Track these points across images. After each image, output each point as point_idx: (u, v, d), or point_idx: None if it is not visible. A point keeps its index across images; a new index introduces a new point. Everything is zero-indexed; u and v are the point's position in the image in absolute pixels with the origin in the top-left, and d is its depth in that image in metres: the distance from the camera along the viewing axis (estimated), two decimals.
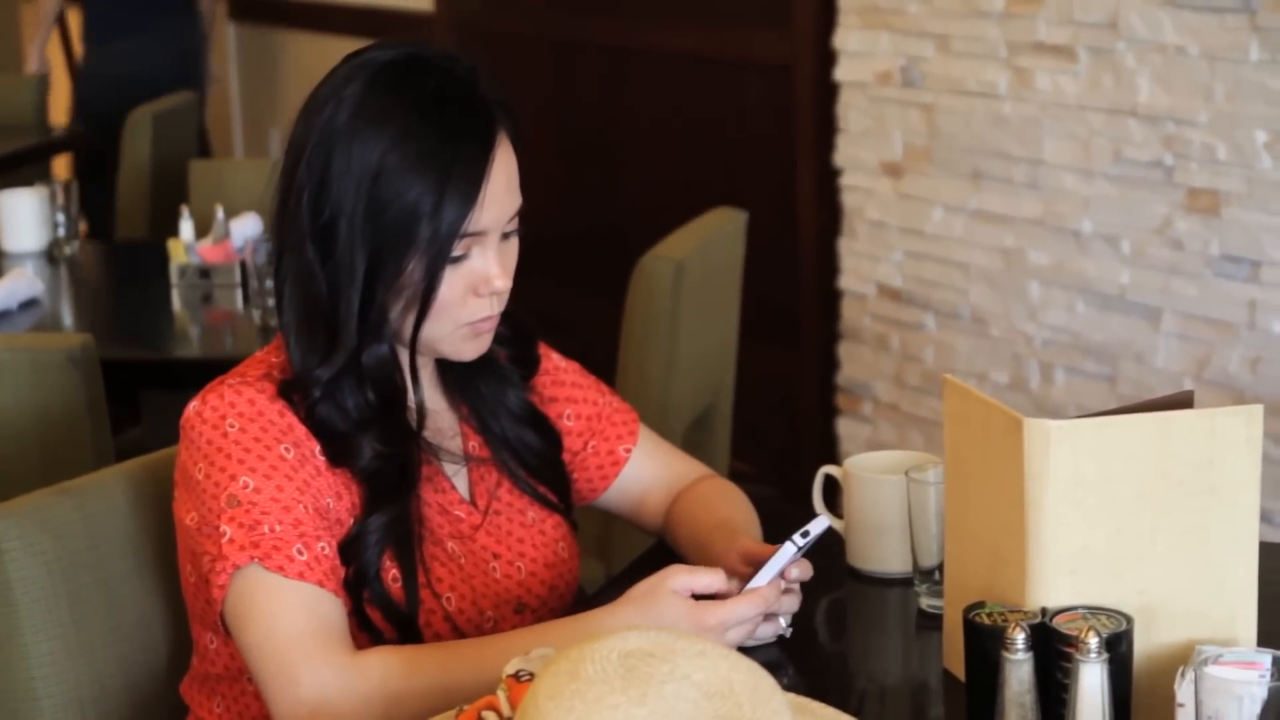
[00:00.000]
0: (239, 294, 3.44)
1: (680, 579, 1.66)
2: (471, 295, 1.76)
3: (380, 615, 1.75)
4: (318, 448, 1.74)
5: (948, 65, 3.93)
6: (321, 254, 1.73)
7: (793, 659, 1.74)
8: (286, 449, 1.72)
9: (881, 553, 1.96)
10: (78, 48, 6.09)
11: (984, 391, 1.86)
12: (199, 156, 5.36)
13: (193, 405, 1.75)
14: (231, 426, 1.71)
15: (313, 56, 6.28)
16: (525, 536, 1.89)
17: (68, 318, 3.52)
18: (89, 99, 5.69)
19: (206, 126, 6.16)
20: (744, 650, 1.55)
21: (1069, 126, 3.67)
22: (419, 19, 5.80)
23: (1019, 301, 3.84)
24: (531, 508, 1.92)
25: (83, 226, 4.90)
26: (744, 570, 1.78)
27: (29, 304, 3.43)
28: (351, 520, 1.75)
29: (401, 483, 1.77)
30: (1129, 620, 1.57)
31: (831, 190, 4.32)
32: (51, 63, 6.74)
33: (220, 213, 3.57)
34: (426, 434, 1.83)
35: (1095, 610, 1.59)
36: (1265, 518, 3.23)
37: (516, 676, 1.44)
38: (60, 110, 6.31)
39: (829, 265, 4.36)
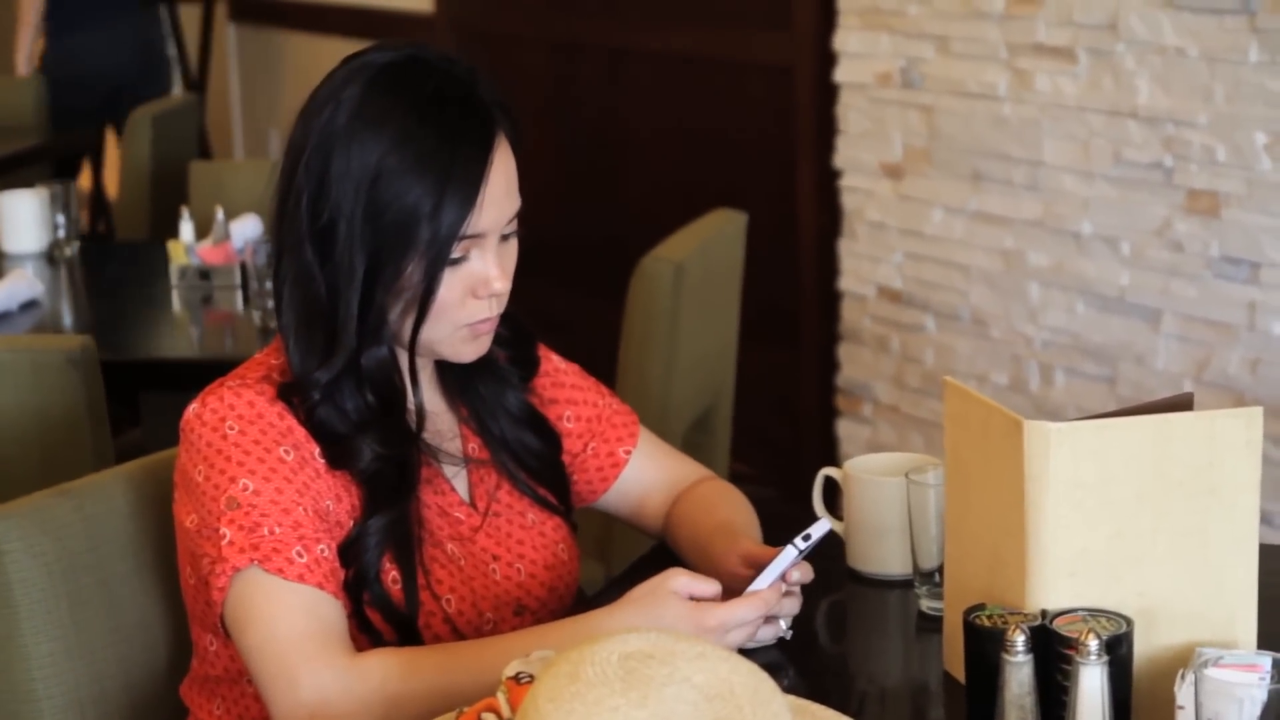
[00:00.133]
0: (239, 295, 3.44)
1: (680, 580, 1.67)
2: (471, 297, 1.76)
3: (380, 617, 1.75)
4: (317, 450, 1.74)
5: (948, 67, 3.93)
6: (321, 256, 1.73)
7: (793, 661, 1.74)
8: (286, 451, 1.72)
9: (881, 555, 1.96)
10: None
11: (984, 393, 1.86)
12: (199, 157, 5.36)
13: (192, 407, 1.75)
14: (231, 429, 1.71)
15: (312, 57, 6.28)
16: (525, 538, 1.89)
17: (68, 319, 3.52)
18: (50, 98, 5.64)
19: (206, 128, 6.17)
20: (744, 652, 1.55)
21: (1069, 128, 3.67)
22: (418, 20, 5.80)
23: (1019, 303, 3.84)
24: (531, 509, 1.92)
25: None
26: (744, 572, 1.78)
27: (29, 305, 3.43)
28: (351, 522, 1.75)
29: (401, 485, 1.77)
30: (1129, 622, 1.57)
31: (831, 191, 4.32)
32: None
33: (220, 214, 3.57)
34: (426, 436, 1.83)
35: (1095, 612, 1.59)
36: (1265, 520, 3.23)
37: (516, 678, 1.44)
38: None
39: (829, 267, 4.36)
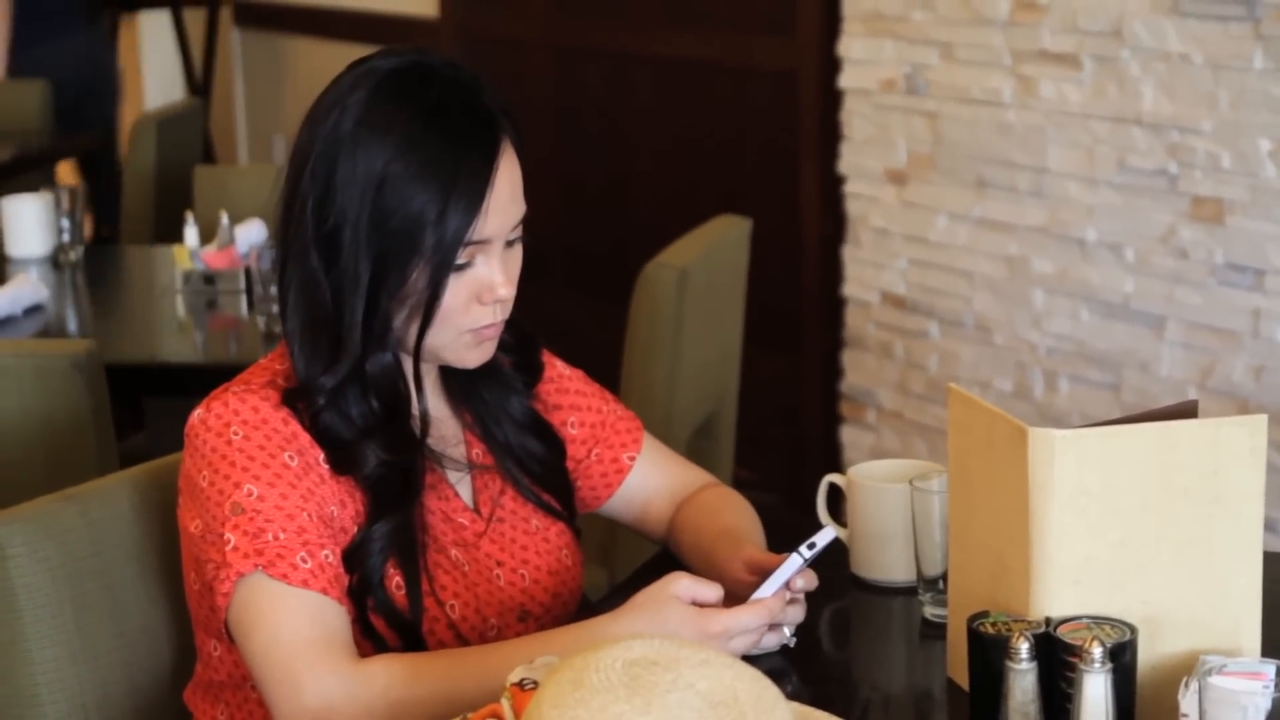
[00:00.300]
0: (243, 300, 3.44)
1: (682, 584, 1.67)
2: (475, 303, 1.76)
3: (384, 623, 1.75)
4: (321, 456, 1.74)
5: (952, 73, 3.93)
6: (326, 262, 1.73)
7: (796, 667, 1.74)
8: (290, 457, 1.72)
9: (885, 561, 1.96)
10: None
11: (988, 400, 1.86)
12: (203, 162, 5.36)
13: (197, 413, 1.75)
14: (236, 434, 1.71)
15: (317, 63, 6.29)
16: (529, 544, 1.89)
17: (72, 323, 3.52)
18: None
19: (210, 133, 6.17)
20: (747, 659, 1.55)
21: (1073, 134, 3.67)
22: (423, 25, 5.80)
23: (1023, 309, 3.84)
24: (535, 515, 1.92)
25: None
26: (748, 578, 1.78)
27: (33, 310, 3.43)
28: (355, 528, 1.75)
29: (405, 490, 1.77)
30: (1133, 630, 1.57)
31: (835, 198, 4.32)
32: None
33: (225, 219, 3.57)
34: (430, 442, 1.83)
35: (1099, 620, 1.59)
36: (1269, 527, 3.23)
37: (520, 685, 1.44)
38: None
39: (833, 272, 4.36)
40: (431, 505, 1.82)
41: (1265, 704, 1.44)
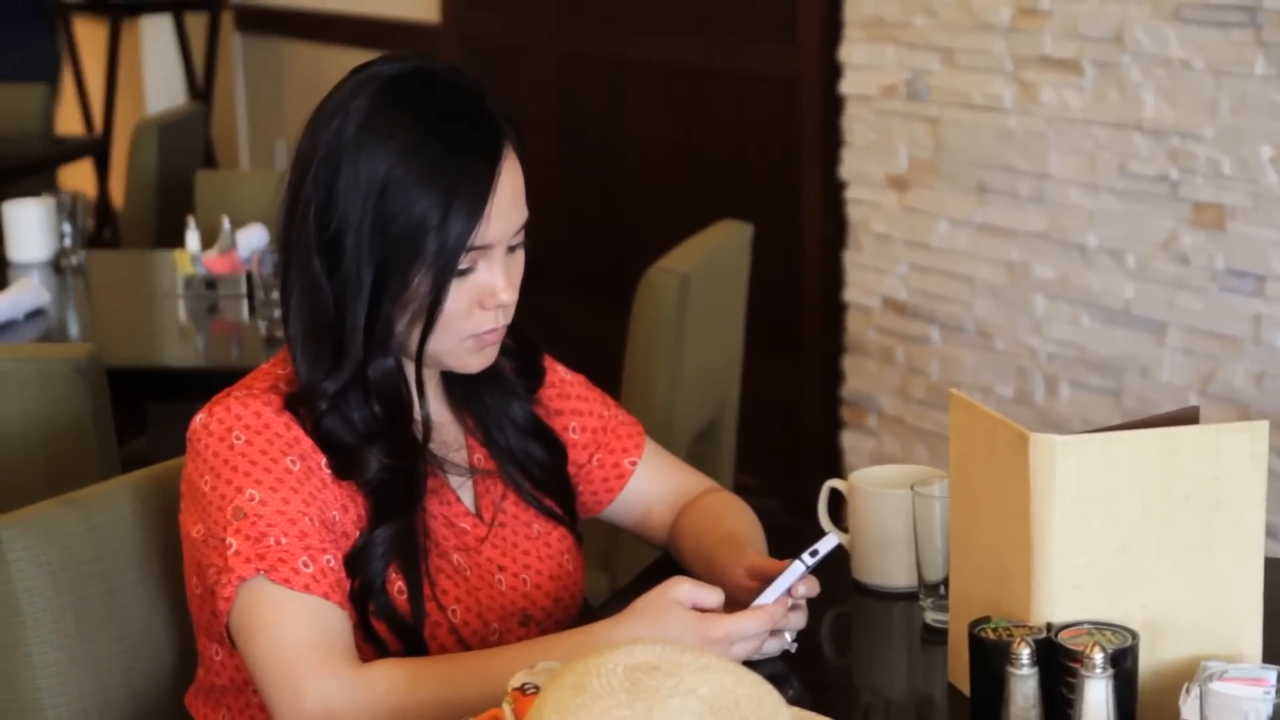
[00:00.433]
0: (245, 305, 3.45)
1: (683, 589, 1.67)
2: (477, 308, 1.76)
3: (385, 627, 1.75)
4: (324, 460, 1.74)
5: (953, 79, 3.94)
6: (328, 267, 1.74)
7: (797, 673, 1.74)
8: (293, 461, 1.72)
9: (887, 567, 1.96)
10: None
11: (988, 405, 1.86)
12: (204, 167, 5.36)
13: (199, 417, 1.75)
14: (238, 439, 1.71)
15: (318, 68, 6.29)
16: (530, 549, 1.89)
17: (74, 328, 3.53)
18: None
19: (212, 137, 6.17)
20: (749, 664, 1.55)
21: (1074, 140, 3.67)
22: (425, 30, 5.80)
23: (1024, 315, 3.84)
24: (537, 520, 1.92)
25: None
26: (750, 584, 1.79)
27: (35, 314, 3.44)
28: (357, 533, 1.75)
29: (407, 495, 1.77)
30: (1134, 636, 1.57)
31: (837, 203, 4.32)
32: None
33: (226, 223, 3.58)
34: (432, 446, 1.83)
35: (1100, 625, 1.59)
36: (1270, 533, 3.23)
37: (522, 689, 1.44)
38: (67, 120, 6.32)
39: (834, 278, 4.36)
40: (433, 510, 1.82)
41: (1266, 710, 1.44)
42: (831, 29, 4.26)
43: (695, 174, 4.87)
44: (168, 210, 4.62)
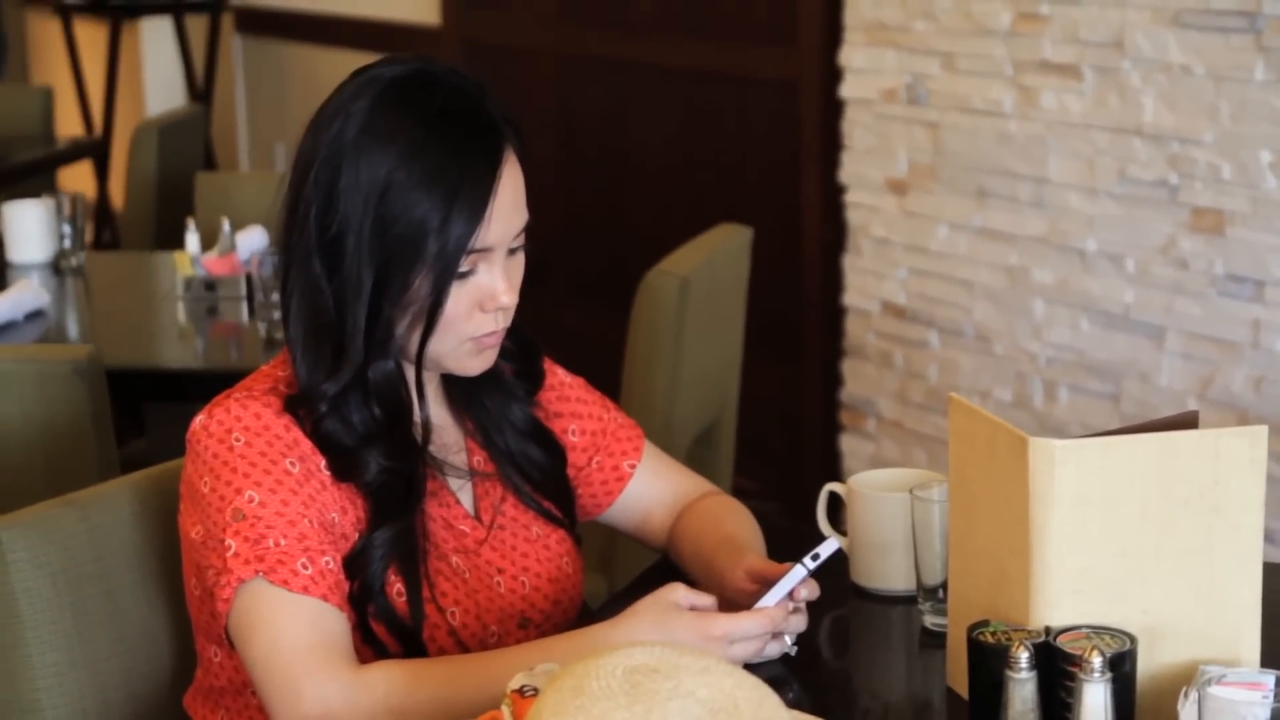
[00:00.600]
0: (244, 306, 3.45)
1: (679, 593, 1.67)
2: (477, 310, 1.76)
3: (384, 629, 1.75)
4: (323, 462, 1.74)
5: (953, 83, 3.94)
6: (328, 269, 1.74)
7: (796, 676, 1.74)
8: (292, 463, 1.72)
9: (885, 570, 1.96)
10: None
11: (988, 409, 1.87)
12: (204, 169, 5.36)
13: (199, 419, 1.75)
14: (237, 441, 1.72)
15: (318, 70, 6.29)
16: (529, 551, 1.90)
17: (73, 329, 3.53)
18: None
19: (212, 139, 6.17)
20: (748, 667, 1.55)
21: (1074, 145, 3.67)
22: (425, 33, 5.80)
23: (1023, 319, 3.84)
24: (536, 522, 1.92)
25: None
26: (750, 587, 1.79)
27: (35, 315, 3.43)
28: (357, 535, 1.75)
29: (407, 497, 1.78)
30: (1133, 640, 1.57)
31: (836, 207, 4.32)
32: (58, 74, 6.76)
33: (226, 225, 3.58)
34: (432, 449, 1.83)
35: (1099, 629, 1.59)
36: (1269, 538, 3.23)
37: (521, 691, 1.44)
38: (67, 122, 6.31)
39: (833, 282, 4.36)
40: (432, 512, 1.82)
41: (1264, 714, 1.44)
42: (832, 33, 4.26)
43: (695, 177, 4.87)
44: (167, 212, 4.62)
